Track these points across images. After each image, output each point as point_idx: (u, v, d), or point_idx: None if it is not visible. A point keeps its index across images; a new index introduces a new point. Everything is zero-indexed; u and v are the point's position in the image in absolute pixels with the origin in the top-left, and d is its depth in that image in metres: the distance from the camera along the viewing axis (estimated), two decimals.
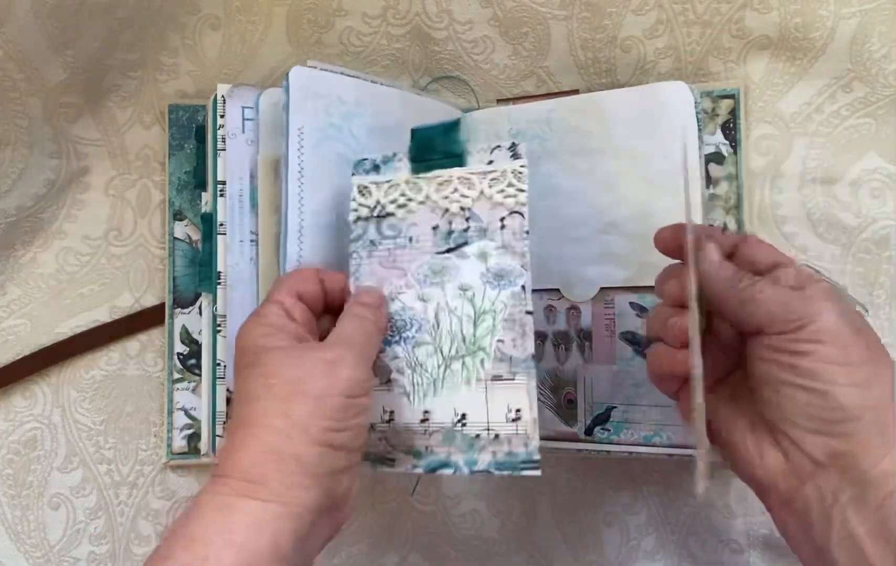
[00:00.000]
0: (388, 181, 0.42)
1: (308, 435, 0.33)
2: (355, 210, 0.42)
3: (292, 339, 0.36)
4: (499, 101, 0.52)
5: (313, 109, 0.43)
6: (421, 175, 0.42)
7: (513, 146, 0.40)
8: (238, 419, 0.34)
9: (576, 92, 0.51)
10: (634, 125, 0.45)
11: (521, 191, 0.40)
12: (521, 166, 0.40)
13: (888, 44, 0.47)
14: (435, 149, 0.42)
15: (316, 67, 0.44)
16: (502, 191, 0.40)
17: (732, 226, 0.48)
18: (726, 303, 0.35)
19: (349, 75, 0.45)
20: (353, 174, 0.43)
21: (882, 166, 0.48)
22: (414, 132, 0.42)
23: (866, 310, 0.48)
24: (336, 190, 0.44)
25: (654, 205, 0.45)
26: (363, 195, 0.42)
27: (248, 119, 0.48)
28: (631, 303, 0.47)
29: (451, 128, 0.42)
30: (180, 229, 0.53)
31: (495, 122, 0.50)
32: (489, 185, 0.40)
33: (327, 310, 0.41)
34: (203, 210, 0.51)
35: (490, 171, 0.41)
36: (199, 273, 0.50)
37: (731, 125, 0.49)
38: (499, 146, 0.41)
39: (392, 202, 0.42)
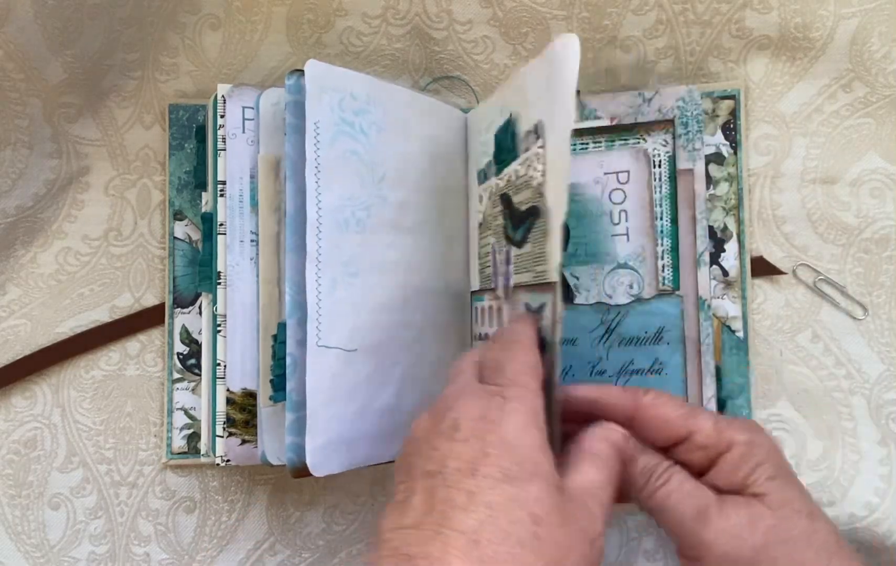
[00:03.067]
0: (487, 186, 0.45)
1: None
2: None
3: None
4: None
5: (329, 104, 0.42)
6: (498, 175, 0.43)
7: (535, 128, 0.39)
8: None
9: (577, 93, 0.51)
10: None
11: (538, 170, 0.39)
12: (540, 147, 0.38)
13: (888, 44, 0.47)
14: (503, 148, 0.43)
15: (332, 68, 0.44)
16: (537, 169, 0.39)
17: (732, 226, 0.48)
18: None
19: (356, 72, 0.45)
20: (479, 184, 0.46)
21: (882, 166, 0.48)
22: (495, 136, 0.44)
23: (866, 311, 0.48)
24: (350, 186, 0.43)
25: None
26: (480, 202, 0.46)
27: (248, 119, 0.47)
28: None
29: (509, 124, 0.42)
30: (180, 229, 0.53)
31: (488, 116, 0.50)
32: (527, 169, 0.40)
33: None
34: (203, 210, 0.51)
35: (526, 157, 0.40)
36: (199, 273, 0.50)
37: (732, 126, 0.49)
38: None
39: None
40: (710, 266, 0.48)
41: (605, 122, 0.49)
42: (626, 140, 0.48)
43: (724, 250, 0.48)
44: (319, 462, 0.41)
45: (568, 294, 0.49)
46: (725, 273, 0.48)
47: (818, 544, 0.33)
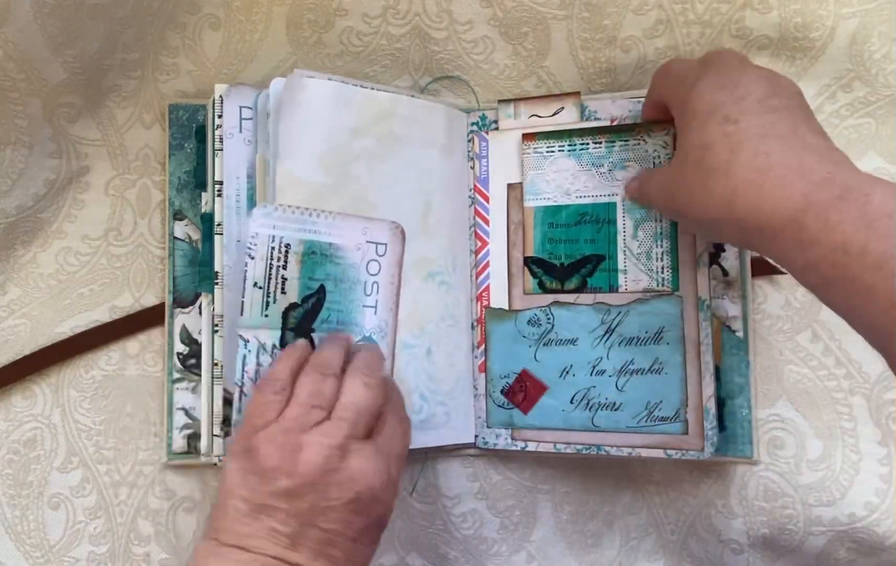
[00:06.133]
0: None
1: None
2: None
3: None
4: (499, 101, 0.52)
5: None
6: None
7: None
8: None
9: (577, 94, 0.51)
10: None
11: None
12: None
13: (888, 44, 0.47)
14: None
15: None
16: None
17: None
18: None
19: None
20: None
21: (882, 166, 0.48)
22: None
23: None
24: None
25: None
26: None
27: (245, 118, 0.48)
28: None
29: None
30: (180, 229, 0.53)
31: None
32: None
33: None
34: (203, 210, 0.51)
35: None
36: (199, 273, 0.50)
37: None
38: None
39: None
40: (710, 266, 0.48)
41: (604, 123, 0.49)
42: (625, 141, 0.48)
43: (723, 250, 0.48)
44: None
45: None
46: (725, 273, 0.48)
47: None
